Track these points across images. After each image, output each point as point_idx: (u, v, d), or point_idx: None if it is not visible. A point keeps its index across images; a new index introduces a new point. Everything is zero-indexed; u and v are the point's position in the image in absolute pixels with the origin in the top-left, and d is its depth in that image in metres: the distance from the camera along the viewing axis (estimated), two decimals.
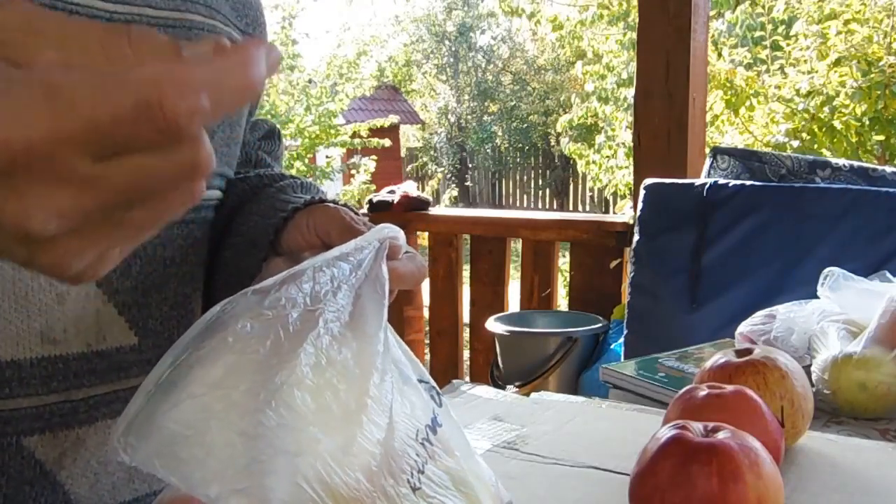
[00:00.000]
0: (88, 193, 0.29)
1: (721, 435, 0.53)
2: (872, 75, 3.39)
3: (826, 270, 1.02)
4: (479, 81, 16.66)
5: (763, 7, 4.08)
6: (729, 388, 0.63)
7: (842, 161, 2.01)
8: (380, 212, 3.02)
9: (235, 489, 0.35)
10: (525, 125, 15.23)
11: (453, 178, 14.87)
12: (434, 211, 3.11)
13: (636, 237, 2.05)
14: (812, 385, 0.79)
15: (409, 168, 14.75)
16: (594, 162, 4.89)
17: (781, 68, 3.99)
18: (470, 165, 15.73)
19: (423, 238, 3.14)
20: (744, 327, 1.07)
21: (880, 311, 0.91)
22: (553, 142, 13.98)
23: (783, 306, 1.05)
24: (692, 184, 1.97)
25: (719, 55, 4.01)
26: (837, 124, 3.45)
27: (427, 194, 3.52)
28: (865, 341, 0.89)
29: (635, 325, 2.06)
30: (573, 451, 0.73)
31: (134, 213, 0.31)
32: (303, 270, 0.44)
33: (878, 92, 3.37)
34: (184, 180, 0.31)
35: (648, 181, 2.06)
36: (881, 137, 3.47)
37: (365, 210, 3.17)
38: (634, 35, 2.81)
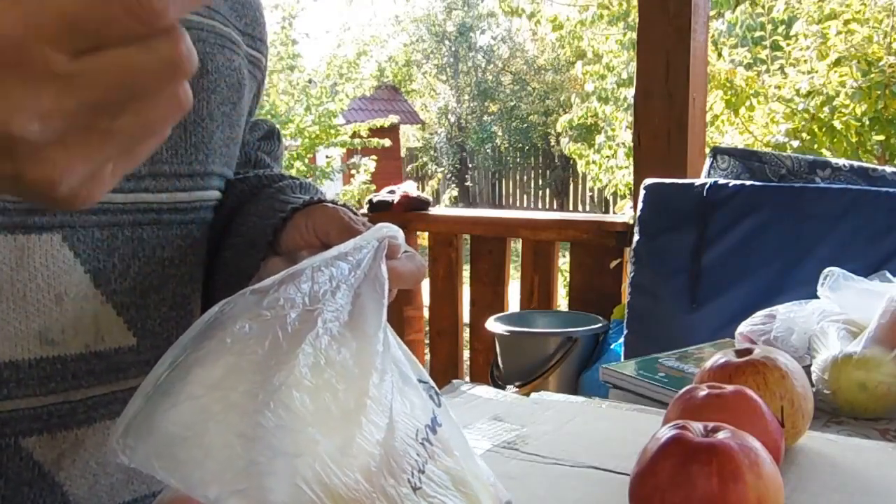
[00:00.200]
0: (68, 92, 0.28)
1: (721, 435, 0.53)
2: (872, 75, 3.39)
3: (826, 270, 1.02)
4: (479, 81, 16.66)
5: (763, 7, 4.08)
6: (729, 388, 0.63)
7: (842, 161, 2.00)
8: (380, 212, 3.02)
9: (234, 490, 0.35)
10: (525, 125, 15.23)
11: (453, 178, 14.87)
12: (434, 211, 3.11)
13: (636, 237, 2.05)
14: (812, 385, 0.79)
15: (409, 168, 14.75)
16: (594, 162, 4.89)
17: (781, 68, 3.99)
18: (470, 165, 15.74)
19: (423, 238, 3.14)
20: (744, 327, 1.07)
21: (880, 311, 0.91)
22: (553, 142, 13.98)
23: (783, 306, 1.05)
24: (692, 184, 1.97)
25: (719, 55, 4.01)
26: (837, 124, 3.45)
27: (427, 194, 3.52)
28: (865, 341, 0.89)
29: (635, 325, 2.06)
30: (573, 451, 0.73)
31: (120, 120, 0.30)
32: (301, 270, 0.44)
33: (878, 92, 3.37)
34: (167, 80, 0.30)
35: (648, 181, 2.06)
36: (881, 137, 3.47)
37: (365, 210, 3.17)
38: (634, 35, 2.81)
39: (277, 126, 0.87)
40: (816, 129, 3.49)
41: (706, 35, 2.36)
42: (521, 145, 15.20)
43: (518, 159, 15.23)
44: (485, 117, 16.24)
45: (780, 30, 4.11)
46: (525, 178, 14.83)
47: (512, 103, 15.82)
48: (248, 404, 0.38)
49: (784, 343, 0.99)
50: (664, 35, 2.25)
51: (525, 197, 14.58)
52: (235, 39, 0.68)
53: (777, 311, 1.05)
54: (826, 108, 3.50)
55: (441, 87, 17.11)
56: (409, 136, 16.21)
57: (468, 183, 15.32)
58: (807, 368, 0.81)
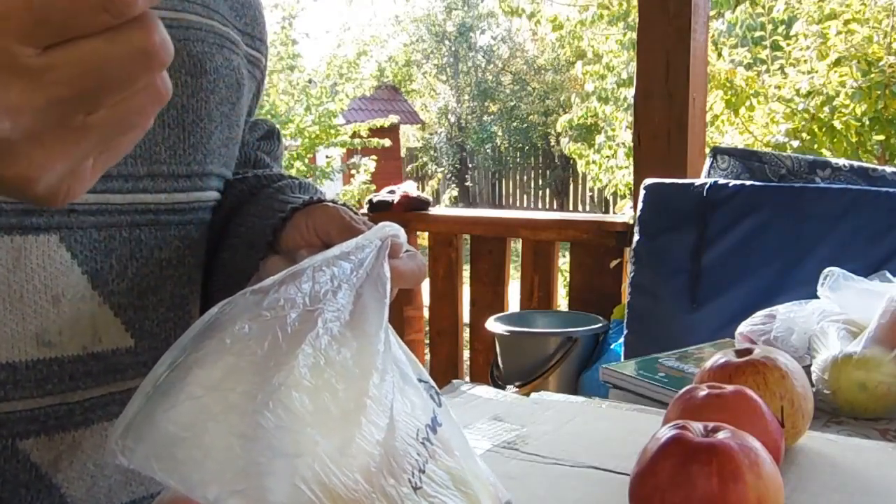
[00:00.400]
0: (38, 87, 0.27)
1: (721, 435, 0.53)
2: (872, 75, 3.39)
3: (826, 270, 1.02)
4: (479, 81, 16.66)
5: (763, 7, 4.08)
6: (729, 388, 0.63)
7: (842, 161, 2.00)
8: (380, 212, 3.02)
9: (234, 491, 0.35)
10: (525, 125, 15.23)
11: (453, 178, 14.87)
12: (434, 211, 3.11)
13: (636, 237, 2.05)
14: (812, 385, 0.79)
15: (409, 168, 14.75)
16: (594, 162, 4.89)
17: (781, 68, 3.99)
18: (470, 165, 15.74)
19: (423, 238, 3.14)
20: (744, 327, 1.07)
21: (880, 311, 0.91)
22: (553, 142, 13.98)
23: (783, 306, 1.05)
24: (692, 184, 1.97)
25: (719, 55, 4.01)
26: (837, 124, 3.45)
27: (427, 194, 3.52)
28: (865, 341, 0.89)
29: (635, 325, 2.06)
30: (573, 451, 0.73)
31: (96, 115, 0.29)
32: (302, 270, 0.44)
33: (878, 92, 3.37)
34: (141, 71, 0.29)
35: (648, 181, 2.06)
36: (881, 137, 3.47)
37: (365, 210, 3.17)
38: (634, 35, 2.81)
39: (277, 126, 0.87)
40: (816, 129, 3.49)
41: (706, 35, 2.36)
42: (521, 145, 15.20)
43: (518, 159, 15.23)
44: (485, 117, 16.24)
45: (780, 30, 4.11)
46: (525, 178, 14.83)
47: (512, 103, 15.82)
48: (247, 405, 0.38)
49: (784, 343, 0.99)
50: (664, 35, 2.25)
51: (525, 197, 14.58)
52: (234, 39, 0.68)
53: (777, 311, 1.05)
54: (826, 108, 3.50)
55: (441, 87, 17.11)
56: (409, 136, 16.21)
57: (468, 183, 15.32)
58: (807, 368, 0.81)
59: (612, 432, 0.78)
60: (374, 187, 6.42)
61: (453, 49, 16.78)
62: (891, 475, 0.66)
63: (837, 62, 3.52)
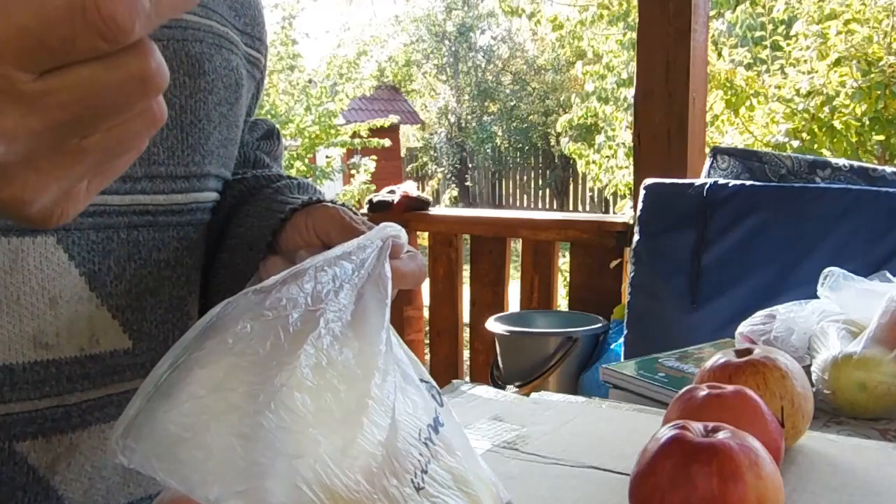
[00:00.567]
0: (33, 112, 0.27)
1: (721, 435, 0.53)
2: (872, 75, 3.39)
3: (826, 270, 1.02)
4: (479, 81, 16.66)
5: (763, 7, 4.09)
6: (729, 388, 0.63)
7: (842, 161, 2.00)
8: (380, 212, 3.02)
9: (235, 491, 0.35)
10: (525, 125, 15.23)
11: (453, 178, 14.87)
12: (434, 211, 3.11)
13: (636, 237, 2.05)
14: (812, 385, 0.79)
15: (409, 168, 14.75)
16: (594, 162, 4.89)
17: (781, 68, 3.99)
18: (470, 165, 15.74)
19: (423, 238, 3.14)
20: (744, 327, 1.07)
21: (880, 311, 0.91)
22: (553, 142, 13.99)
23: (783, 306, 1.05)
24: (692, 184, 1.97)
25: (719, 55, 4.02)
26: (837, 124, 3.45)
27: (427, 194, 3.52)
28: (865, 341, 0.89)
29: (635, 325, 2.06)
30: (573, 451, 0.73)
31: (91, 138, 0.29)
32: (304, 270, 0.44)
33: (878, 92, 3.37)
34: (136, 97, 0.29)
35: (648, 181, 2.06)
36: (881, 137, 3.47)
37: (365, 210, 3.17)
38: (634, 35, 2.81)
39: (277, 126, 0.86)
40: (816, 129, 3.50)
41: (706, 35, 2.36)
42: (521, 145, 15.20)
43: (518, 159, 15.23)
44: (485, 117, 16.24)
45: (780, 30, 4.12)
46: (525, 178, 14.83)
47: (512, 103, 15.81)
48: (249, 405, 0.38)
49: (784, 343, 0.99)
50: (664, 35, 2.25)
51: (525, 197, 14.58)
52: (233, 39, 0.68)
53: (777, 311, 1.05)
54: (826, 108, 3.51)
55: (441, 87, 17.11)
56: (409, 136, 16.20)
57: (468, 183, 15.32)
58: (807, 368, 0.81)
59: (612, 432, 0.78)
60: (374, 187, 6.42)
61: (453, 49, 16.78)
62: (891, 475, 0.66)
63: (837, 62, 3.52)
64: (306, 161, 7.45)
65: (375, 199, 3.14)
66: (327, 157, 7.77)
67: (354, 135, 7.52)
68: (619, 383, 1.03)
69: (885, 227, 1.73)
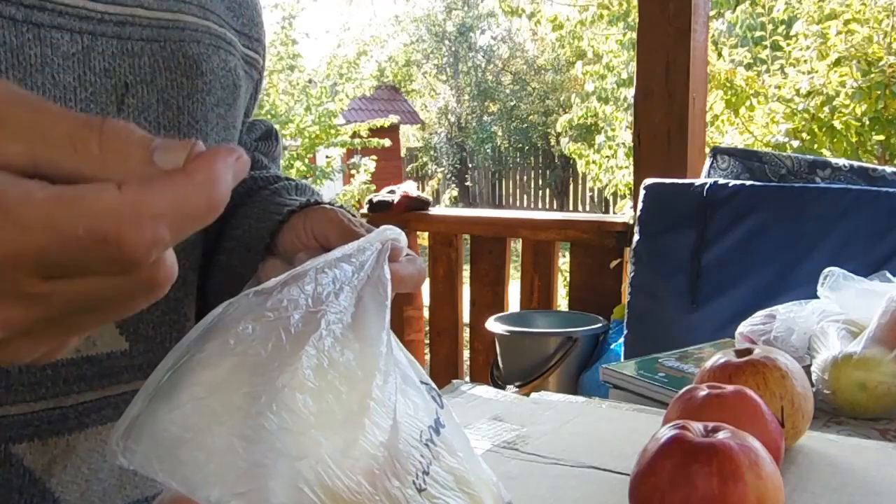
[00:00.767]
0: (37, 307, 0.28)
1: (721, 435, 0.53)
2: (872, 75, 3.40)
3: (826, 270, 1.02)
4: (479, 81, 16.66)
5: (763, 7, 4.09)
6: (729, 388, 0.63)
7: (842, 161, 2.01)
8: (380, 212, 3.02)
9: (236, 493, 0.35)
10: (525, 125, 15.22)
11: (453, 178, 14.87)
12: (434, 211, 3.11)
13: (636, 237, 2.05)
14: (812, 385, 0.79)
15: (409, 168, 14.75)
16: (594, 162, 4.89)
17: (781, 68, 3.99)
18: (470, 165, 15.74)
19: (423, 238, 3.14)
20: (744, 327, 1.07)
21: (880, 311, 0.91)
22: (553, 142, 13.98)
23: (783, 306, 1.05)
24: (692, 184, 1.97)
25: (719, 55, 4.02)
26: (837, 124, 3.45)
27: (427, 194, 3.52)
28: (865, 341, 0.90)
29: (635, 325, 2.07)
30: (573, 451, 0.73)
31: (89, 317, 0.30)
32: (305, 271, 0.44)
33: (878, 92, 3.37)
34: (142, 298, 0.30)
35: (648, 181, 2.06)
36: (881, 137, 3.47)
37: (365, 210, 3.17)
38: (634, 35, 2.81)
39: (275, 127, 0.86)
40: (816, 129, 3.50)
41: (706, 35, 2.36)
42: (521, 145, 15.20)
43: (518, 159, 15.23)
44: (485, 117, 16.23)
45: (780, 30, 4.12)
46: (525, 178, 14.83)
47: (512, 103, 15.81)
48: (250, 406, 0.38)
49: (784, 343, 0.99)
50: (664, 35, 2.25)
51: (525, 197, 14.58)
52: (231, 40, 0.68)
53: (777, 311, 1.05)
54: (826, 108, 3.51)
55: (441, 87, 17.11)
56: (409, 136, 16.20)
57: (468, 183, 15.32)
58: (807, 368, 0.81)
59: (612, 432, 0.78)
60: (374, 187, 6.42)
61: (453, 49, 16.77)
62: (891, 475, 0.66)
63: (837, 62, 3.52)
64: (306, 161, 7.45)
65: (375, 200, 3.14)
66: (327, 157, 7.77)
67: (354, 135, 7.52)
68: (619, 383, 1.03)
69: (885, 227, 1.73)
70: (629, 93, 4.29)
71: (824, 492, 0.63)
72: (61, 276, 0.28)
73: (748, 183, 1.91)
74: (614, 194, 5.38)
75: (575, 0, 6.00)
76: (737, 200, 1.87)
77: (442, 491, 0.43)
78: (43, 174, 0.27)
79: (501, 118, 15.89)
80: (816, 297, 1.03)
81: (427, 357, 3.37)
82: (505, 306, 2.86)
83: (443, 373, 2.96)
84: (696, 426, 0.54)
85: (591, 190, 12.10)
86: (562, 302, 3.13)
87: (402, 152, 14.50)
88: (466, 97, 16.76)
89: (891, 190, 1.79)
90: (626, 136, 4.51)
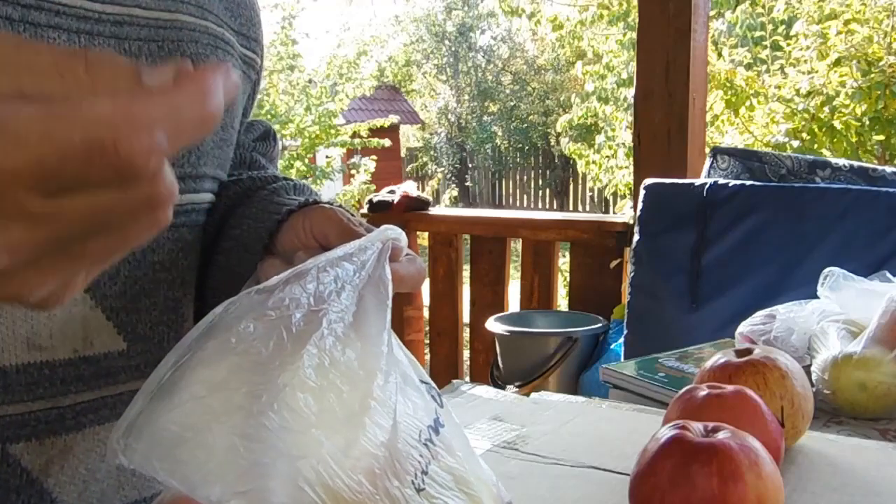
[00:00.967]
0: (40, 229, 0.28)
1: (721, 435, 0.53)
2: (872, 75, 3.40)
3: (826, 270, 1.02)
4: (479, 81, 16.66)
5: (763, 7, 4.09)
6: (729, 388, 0.63)
7: (842, 161, 2.01)
8: (380, 212, 3.02)
9: (237, 492, 0.35)
10: (525, 125, 15.22)
11: (453, 178, 14.86)
12: (434, 211, 3.11)
13: (636, 237, 2.05)
14: (812, 385, 0.79)
15: (409, 168, 14.74)
16: (594, 162, 4.89)
17: (781, 68, 3.99)
18: (470, 165, 15.73)
19: (423, 238, 3.14)
20: (744, 327, 1.07)
21: (880, 311, 0.91)
22: (553, 142, 13.98)
23: (783, 306, 1.05)
24: (692, 184, 1.97)
25: (719, 55, 4.02)
26: (837, 124, 3.45)
27: (427, 194, 3.52)
28: (865, 341, 0.90)
29: (635, 325, 2.07)
30: (573, 451, 0.73)
31: (93, 244, 0.30)
32: (307, 270, 0.44)
33: (878, 92, 3.37)
34: (143, 216, 0.30)
35: (648, 181, 2.06)
36: (881, 137, 3.47)
37: (365, 210, 3.17)
38: (634, 35, 2.81)
39: (273, 127, 0.86)
40: (816, 129, 3.50)
41: (706, 35, 2.36)
42: (521, 145, 15.19)
43: (518, 159, 15.23)
44: (485, 117, 16.23)
45: (780, 30, 4.12)
46: (525, 178, 14.83)
47: (512, 103, 15.81)
48: (251, 405, 0.38)
49: (784, 343, 0.99)
50: (664, 35, 2.26)
51: (525, 197, 14.58)
52: (229, 40, 0.67)
53: (777, 311, 1.05)
54: (826, 108, 3.51)
55: (441, 87, 17.11)
56: (409, 136, 16.20)
57: (468, 183, 15.32)
58: (807, 368, 0.81)
59: (612, 432, 0.78)
60: (374, 187, 6.42)
61: (453, 49, 16.77)
62: (891, 475, 0.66)
63: (837, 62, 3.52)
64: (306, 161, 7.45)
65: (375, 199, 3.14)
66: (327, 157, 7.77)
67: (354, 135, 7.52)
68: (619, 383, 1.03)
69: (885, 227, 1.73)
70: (629, 93, 4.29)
71: (824, 492, 0.63)
72: (61, 191, 0.27)
73: (748, 183, 1.91)
74: (614, 194, 5.39)
75: (575, 0, 6.00)
76: (737, 200, 1.88)
77: (440, 491, 0.43)
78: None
79: (501, 118, 15.89)
80: (816, 297, 1.03)
81: (427, 357, 3.36)
82: (505, 306, 2.86)
83: (443, 373, 2.96)
84: (696, 426, 0.54)
85: (591, 190, 12.10)
86: (562, 302, 3.14)
87: (402, 152, 14.50)
88: (466, 97, 16.76)
89: (891, 190, 1.79)
90: (626, 136, 4.51)
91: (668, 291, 1.96)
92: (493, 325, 2.58)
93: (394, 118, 8.43)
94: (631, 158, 3.53)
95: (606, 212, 10.23)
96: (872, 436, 0.85)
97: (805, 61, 3.71)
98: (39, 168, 0.26)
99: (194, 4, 0.63)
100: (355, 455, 0.39)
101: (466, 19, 16.77)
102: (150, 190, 0.29)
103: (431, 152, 15.99)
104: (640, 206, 2.08)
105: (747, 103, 3.71)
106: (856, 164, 1.95)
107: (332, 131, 7.41)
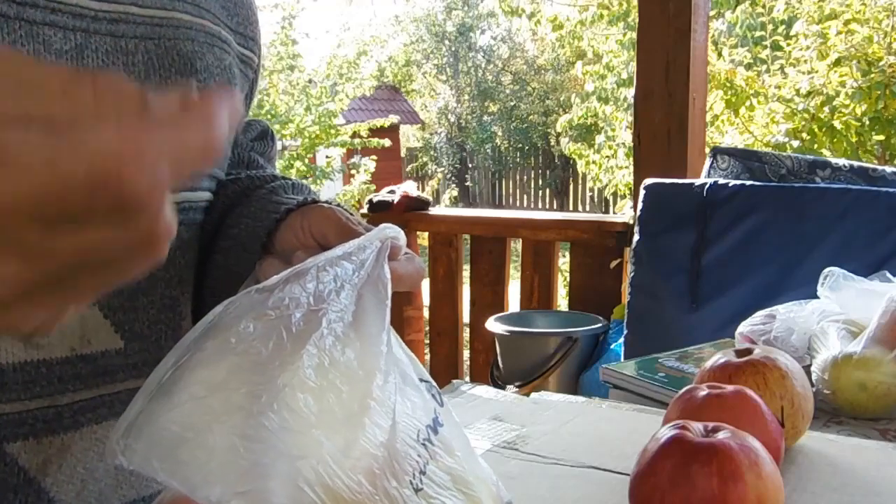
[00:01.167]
0: (35, 263, 0.28)
1: (721, 435, 0.53)
2: (872, 75, 3.40)
3: (826, 270, 1.02)
4: (479, 81, 16.66)
5: (763, 7, 4.09)
6: (729, 388, 0.63)
7: (842, 161, 2.01)
8: (380, 212, 3.02)
9: (237, 492, 0.35)
10: (525, 125, 15.22)
11: (453, 178, 14.86)
12: (434, 211, 3.11)
13: (636, 237, 2.05)
14: (812, 385, 0.79)
15: (409, 168, 14.74)
16: (594, 162, 4.89)
17: (781, 68, 3.99)
18: (470, 165, 15.73)
19: (423, 238, 3.14)
20: (744, 327, 1.07)
21: (880, 311, 0.91)
22: (553, 142, 13.98)
23: (783, 306, 1.05)
24: (692, 184, 1.97)
25: (719, 55, 4.02)
26: (837, 124, 3.45)
27: (427, 194, 3.52)
28: (865, 341, 0.90)
29: (635, 325, 2.07)
30: (573, 451, 0.73)
31: (87, 279, 0.30)
32: (307, 269, 0.44)
33: (878, 92, 3.37)
34: (141, 253, 0.30)
35: (648, 181, 2.06)
36: (881, 137, 3.47)
37: (365, 210, 3.17)
38: (634, 35, 2.81)
39: (271, 126, 0.86)
40: (816, 129, 3.50)
41: (706, 35, 2.36)
42: (521, 145, 15.19)
43: (518, 159, 15.23)
44: (485, 117, 16.23)
45: (780, 30, 4.12)
46: (525, 178, 14.83)
47: (512, 103, 15.81)
48: (251, 405, 0.38)
49: (784, 343, 0.99)
50: (664, 35, 2.26)
51: (525, 197, 14.58)
52: (226, 38, 0.67)
53: (777, 311, 1.05)
54: (826, 108, 3.51)
55: (441, 87, 17.10)
56: (409, 136, 16.19)
57: (468, 183, 15.32)
58: (807, 368, 0.81)
59: (612, 432, 0.78)
60: (374, 187, 6.42)
61: (453, 49, 16.77)
62: (891, 475, 0.66)
63: (837, 62, 3.52)
64: (306, 161, 7.45)
65: (375, 199, 3.14)
66: (327, 157, 7.77)
67: (354, 135, 7.52)
68: (619, 383, 1.03)
69: (885, 227, 1.73)
70: (629, 93, 4.29)
71: (824, 492, 0.63)
72: (60, 223, 0.27)
73: (748, 183, 1.91)
74: (614, 194, 5.38)
75: (575, 0, 6.00)
76: (737, 200, 1.88)
77: (439, 491, 0.43)
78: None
79: (501, 118, 15.89)
80: (816, 297, 1.03)
81: (427, 357, 3.36)
82: (505, 306, 2.86)
83: (443, 373, 2.96)
84: (696, 426, 0.54)
85: (591, 190, 12.10)
86: (562, 302, 3.14)
87: (402, 152, 14.50)
88: (466, 97, 16.76)
89: (891, 190, 1.79)
90: (626, 136, 4.51)
91: (668, 291, 1.96)
92: (493, 325, 2.58)
93: (394, 118, 8.43)
94: (631, 158, 3.53)
95: (606, 212, 10.23)
96: (872, 436, 0.85)
97: (805, 61, 3.71)
98: (41, 199, 0.26)
99: (191, 3, 0.63)
100: (355, 455, 0.39)
101: (466, 19, 16.77)
102: (149, 226, 0.29)
103: (431, 152, 15.99)
104: (640, 206, 2.08)
105: (747, 103, 3.71)
106: (856, 164, 1.95)
107: (332, 131, 7.40)
